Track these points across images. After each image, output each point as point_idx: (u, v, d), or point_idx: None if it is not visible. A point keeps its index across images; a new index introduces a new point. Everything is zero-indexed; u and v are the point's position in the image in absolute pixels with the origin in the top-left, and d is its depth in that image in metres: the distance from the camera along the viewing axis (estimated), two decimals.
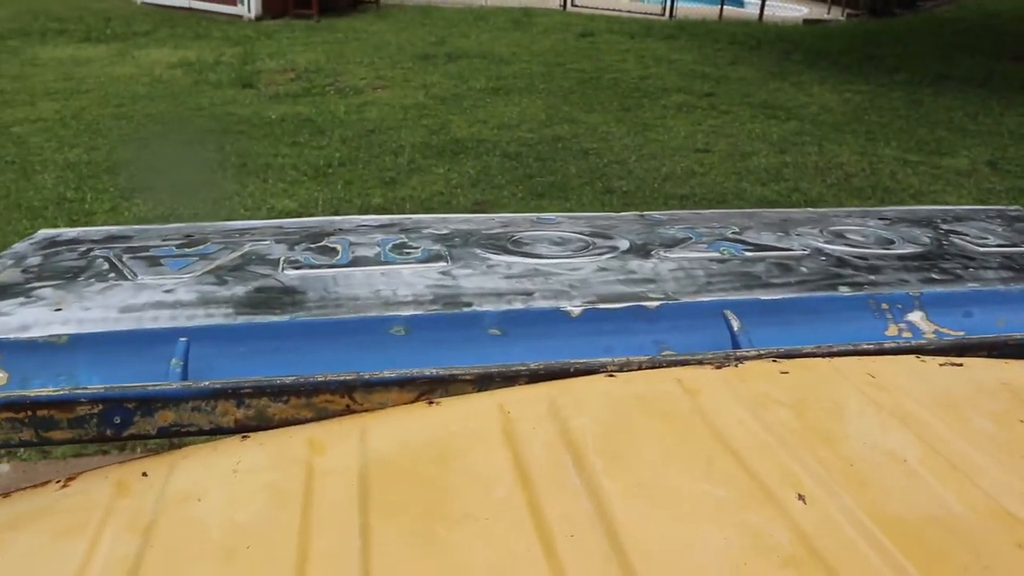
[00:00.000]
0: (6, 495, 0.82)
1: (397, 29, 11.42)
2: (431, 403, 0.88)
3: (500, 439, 0.82)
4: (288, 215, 4.85)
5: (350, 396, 0.88)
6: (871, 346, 0.98)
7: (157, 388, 0.86)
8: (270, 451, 0.84)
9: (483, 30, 11.59)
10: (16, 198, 5.25)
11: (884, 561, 0.65)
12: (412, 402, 0.89)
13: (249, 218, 4.55)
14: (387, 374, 0.88)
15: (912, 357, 0.97)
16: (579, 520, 0.70)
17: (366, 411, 0.88)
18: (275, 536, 0.72)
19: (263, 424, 0.88)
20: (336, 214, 4.78)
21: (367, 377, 0.88)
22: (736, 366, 0.93)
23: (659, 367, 0.93)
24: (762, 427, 0.82)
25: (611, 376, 0.91)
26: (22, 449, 2.90)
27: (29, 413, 0.83)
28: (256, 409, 0.87)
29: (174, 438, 0.90)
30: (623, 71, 9.46)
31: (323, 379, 0.87)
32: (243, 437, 0.86)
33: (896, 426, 0.83)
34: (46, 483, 0.83)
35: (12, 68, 8.65)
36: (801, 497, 0.72)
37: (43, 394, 0.84)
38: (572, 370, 0.91)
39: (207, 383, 0.86)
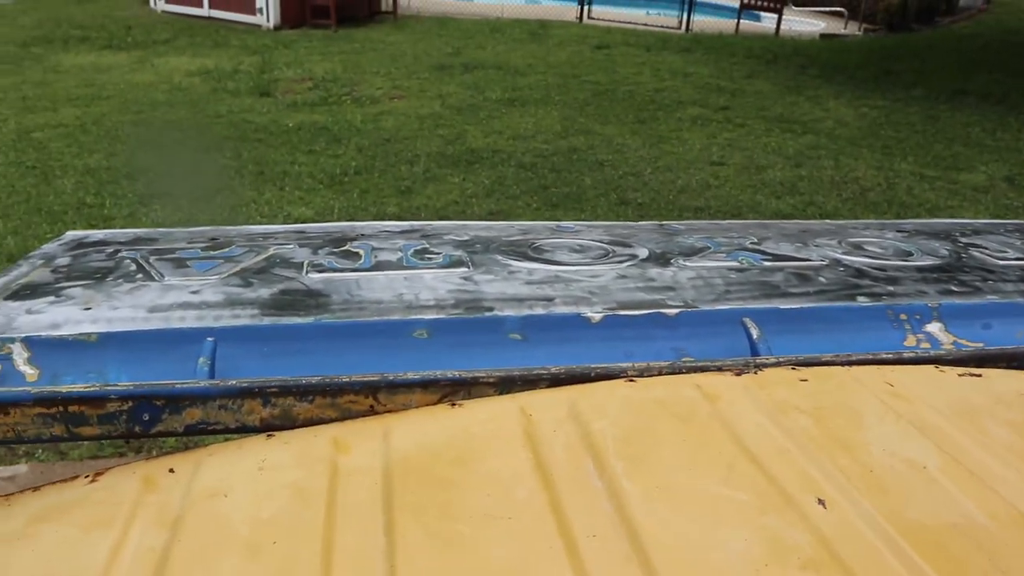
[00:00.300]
0: (36, 488, 0.84)
1: (414, 40, 11.50)
2: (453, 405, 0.90)
3: (521, 441, 0.83)
4: (305, 223, 4.89)
5: (374, 397, 0.89)
6: (890, 356, 0.99)
7: (185, 386, 0.87)
8: (295, 450, 0.85)
9: (499, 41, 11.66)
10: (37, 202, 5.32)
11: (904, 565, 0.65)
12: (435, 404, 0.90)
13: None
14: (410, 376, 0.90)
15: (931, 367, 0.98)
16: (601, 521, 0.71)
17: (389, 412, 0.89)
18: (300, 533, 0.73)
19: (288, 423, 0.89)
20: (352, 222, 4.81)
21: (391, 378, 0.89)
22: (755, 373, 0.94)
23: (679, 373, 0.93)
24: (782, 433, 0.83)
25: (631, 381, 0.92)
26: (40, 450, 2.93)
27: (60, 409, 0.85)
28: (282, 408, 0.88)
29: (200, 436, 0.91)
30: (639, 83, 9.49)
31: (347, 380, 0.88)
32: (268, 436, 0.88)
33: (915, 434, 0.84)
34: (75, 478, 0.85)
35: (35, 75, 8.78)
36: (821, 502, 0.72)
37: (74, 390, 0.85)
38: (593, 375, 0.92)
39: (234, 382, 0.88)
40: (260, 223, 5.00)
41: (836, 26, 14.41)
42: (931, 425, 0.85)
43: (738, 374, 0.93)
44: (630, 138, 7.36)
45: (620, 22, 13.47)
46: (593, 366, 0.93)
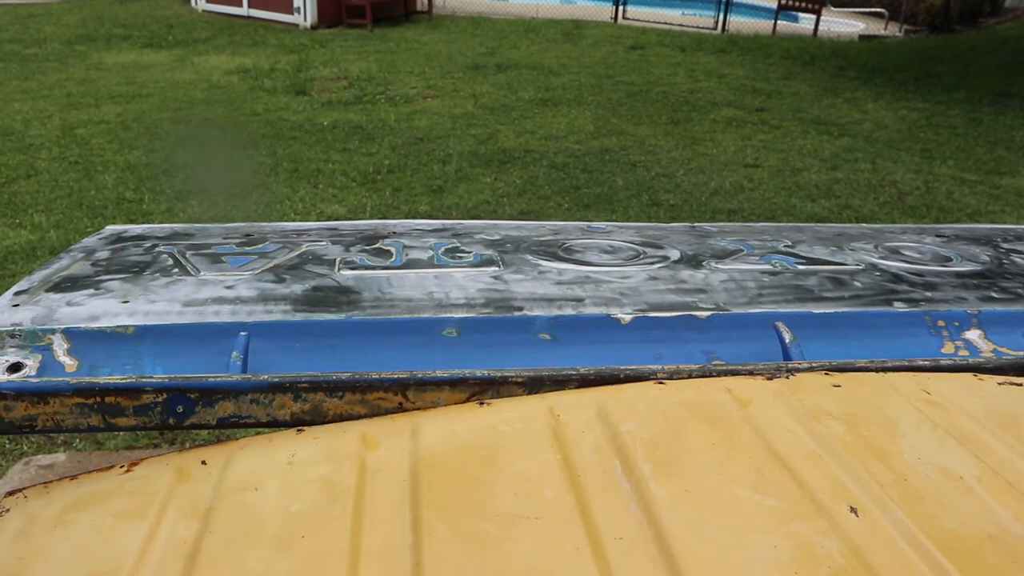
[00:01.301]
0: (74, 477, 0.86)
1: (448, 39, 11.55)
2: (482, 404, 0.90)
3: (550, 441, 0.83)
4: (337, 220, 4.92)
5: (403, 394, 0.89)
6: (927, 363, 0.97)
7: (219, 380, 0.88)
8: (324, 445, 0.86)
9: (533, 41, 11.65)
10: (78, 197, 5.43)
11: None
12: (463, 402, 0.90)
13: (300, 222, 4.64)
14: (439, 374, 0.90)
15: (969, 375, 0.96)
16: (628, 524, 0.71)
17: (418, 409, 0.90)
18: (329, 528, 0.73)
19: (318, 418, 0.90)
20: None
21: (420, 376, 0.89)
22: (787, 378, 0.92)
23: (709, 376, 0.93)
24: (814, 439, 0.81)
25: (661, 383, 0.91)
26: (78, 440, 3.00)
27: (98, 399, 0.87)
28: (312, 404, 0.89)
29: (232, 429, 0.93)
30: (673, 84, 9.42)
31: (377, 377, 0.89)
32: (298, 430, 0.89)
33: (951, 443, 0.82)
34: (110, 468, 0.87)
35: (79, 72, 8.97)
36: (853, 510, 0.71)
37: (111, 381, 0.87)
38: (622, 376, 0.91)
39: (266, 377, 0.89)
40: (294, 220, 5.06)
41: (876, 27, 14.17)
42: (968, 434, 0.83)
43: (770, 378, 0.92)
44: (663, 139, 7.31)
45: (655, 22, 13.39)
46: (623, 368, 0.92)
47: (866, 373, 0.94)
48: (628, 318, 1.06)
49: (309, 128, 7.22)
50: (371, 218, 5.18)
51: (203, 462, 0.84)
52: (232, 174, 6.02)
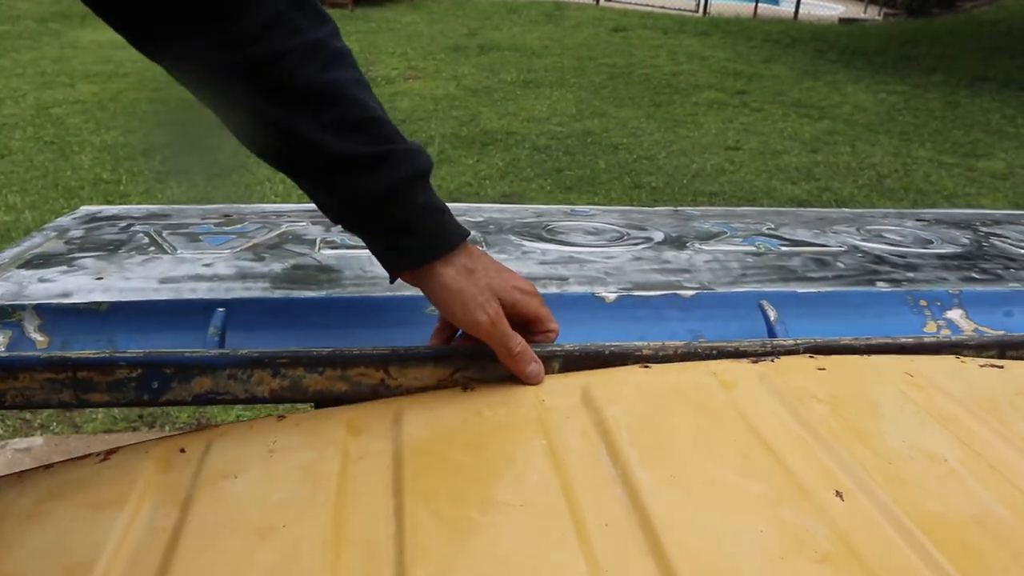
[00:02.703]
0: (48, 466, 0.84)
1: (430, 20, 11.44)
2: (466, 388, 0.89)
3: (535, 427, 0.82)
4: None
5: (385, 370, 0.88)
6: (910, 341, 0.97)
7: (195, 355, 0.86)
8: (305, 432, 0.85)
9: (515, 23, 11.58)
10: (54, 178, 5.35)
11: (921, 558, 0.64)
12: (446, 379, 0.89)
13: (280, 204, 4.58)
14: (422, 349, 0.89)
15: (952, 357, 0.96)
16: (613, 509, 0.70)
17: (400, 385, 0.88)
18: (310, 516, 0.72)
19: (297, 395, 0.88)
20: None
21: (402, 352, 0.88)
22: (772, 361, 0.92)
23: (694, 353, 0.92)
24: (799, 423, 0.81)
25: (646, 367, 0.90)
26: (55, 423, 2.96)
27: (70, 374, 0.84)
28: (291, 380, 0.87)
29: (209, 405, 0.91)
30: (655, 67, 9.41)
31: (358, 352, 0.87)
32: (279, 417, 0.87)
33: (935, 426, 0.82)
34: (86, 456, 0.85)
35: (53, 51, 8.80)
36: (838, 494, 0.71)
37: (83, 356, 0.85)
38: (607, 353, 0.91)
39: (244, 352, 0.87)
40: (274, 202, 5.00)
41: (855, 10, 14.22)
42: (951, 417, 0.84)
43: (755, 361, 0.92)
44: (645, 121, 7.30)
45: (637, 4, 13.34)
46: (608, 344, 0.92)
47: (851, 356, 0.94)
48: (612, 297, 1.05)
49: None
50: None
51: (182, 450, 0.83)
52: (212, 155, 5.94)
